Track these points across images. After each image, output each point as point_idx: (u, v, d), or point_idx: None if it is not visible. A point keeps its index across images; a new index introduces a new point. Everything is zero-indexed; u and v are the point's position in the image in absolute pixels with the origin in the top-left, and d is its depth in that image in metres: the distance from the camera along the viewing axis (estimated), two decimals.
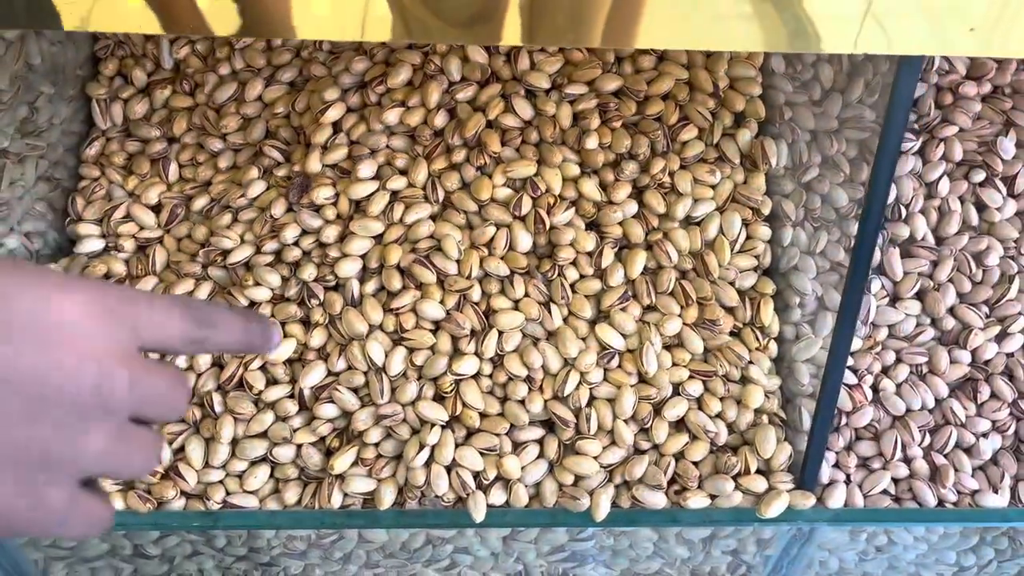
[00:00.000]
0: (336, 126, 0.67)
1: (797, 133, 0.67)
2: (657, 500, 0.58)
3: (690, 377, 0.61)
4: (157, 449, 0.33)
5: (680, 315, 0.62)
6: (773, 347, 0.64)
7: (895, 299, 0.65)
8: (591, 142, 0.64)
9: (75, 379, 0.30)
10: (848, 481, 0.61)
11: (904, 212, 0.66)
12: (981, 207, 0.67)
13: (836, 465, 0.62)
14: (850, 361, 0.64)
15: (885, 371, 0.64)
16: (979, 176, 0.67)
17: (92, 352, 0.30)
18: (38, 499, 0.31)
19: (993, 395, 0.63)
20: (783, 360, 0.63)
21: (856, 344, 0.64)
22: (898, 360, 0.64)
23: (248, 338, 0.36)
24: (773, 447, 0.60)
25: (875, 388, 0.63)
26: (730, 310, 0.63)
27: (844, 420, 0.62)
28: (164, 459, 0.59)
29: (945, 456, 0.62)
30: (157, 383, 0.32)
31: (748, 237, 0.66)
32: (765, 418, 0.61)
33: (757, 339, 0.63)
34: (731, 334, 0.64)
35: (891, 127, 0.47)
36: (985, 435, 0.62)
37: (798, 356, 0.63)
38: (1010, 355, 0.64)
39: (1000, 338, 0.64)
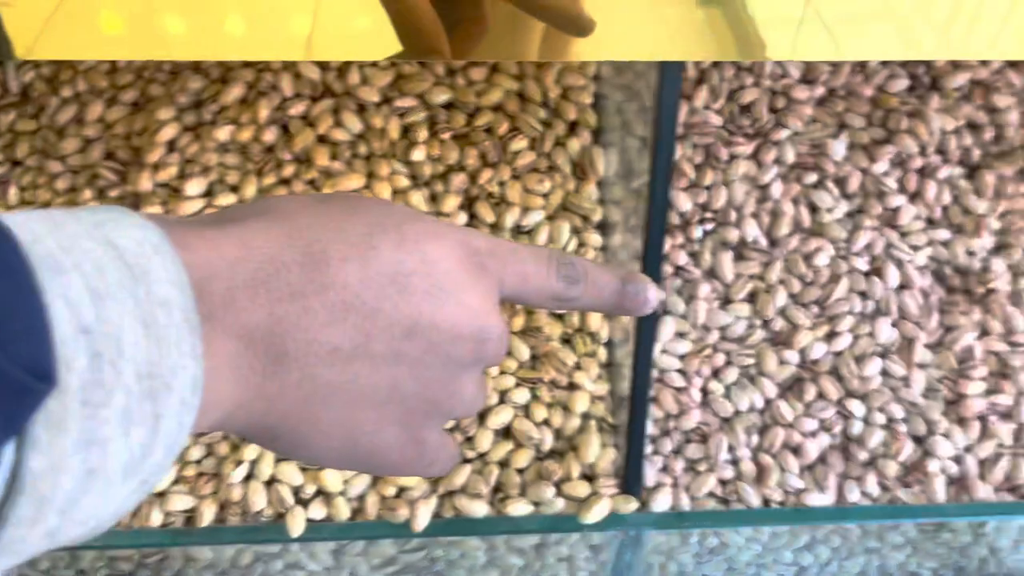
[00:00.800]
0: (172, 145, 0.68)
1: (627, 140, 0.68)
2: (477, 509, 0.59)
3: (517, 385, 0.62)
4: (484, 394, 0.34)
5: (507, 323, 0.62)
6: (602, 352, 0.64)
7: (727, 301, 0.66)
8: (418, 154, 0.65)
9: (461, 328, 0.30)
10: (676, 484, 0.62)
11: (736, 216, 0.67)
12: (813, 208, 0.68)
13: (664, 469, 0.62)
14: (680, 364, 0.64)
15: (716, 373, 0.64)
16: (811, 178, 0.68)
17: (472, 301, 0.30)
18: (422, 444, 0.31)
19: (820, 395, 0.64)
20: (613, 364, 0.64)
21: (686, 347, 0.64)
22: (728, 362, 0.64)
23: (621, 300, 0.35)
24: (596, 452, 0.60)
25: (705, 391, 0.64)
26: (560, 316, 0.64)
27: (673, 424, 0.63)
28: None
29: (773, 456, 0.63)
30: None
31: (580, 244, 0.66)
32: (593, 423, 0.61)
33: (585, 344, 0.64)
34: (564, 340, 0.65)
35: (661, 135, 0.48)
36: (813, 434, 0.63)
37: (624, 360, 0.63)
38: (838, 354, 0.64)
39: (830, 337, 0.65)
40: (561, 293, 0.33)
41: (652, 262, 0.54)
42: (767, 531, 0.62)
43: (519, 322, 0.63)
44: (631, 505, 0.59)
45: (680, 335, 0.65)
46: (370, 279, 0.28)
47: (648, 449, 0.63)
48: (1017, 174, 0.68)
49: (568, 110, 0.68)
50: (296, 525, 0.57)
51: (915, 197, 0.68)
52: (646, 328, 0.55)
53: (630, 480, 0.60)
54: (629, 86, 0.61)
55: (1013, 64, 0.70)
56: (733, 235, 0.67)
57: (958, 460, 0.63)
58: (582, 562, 0.64)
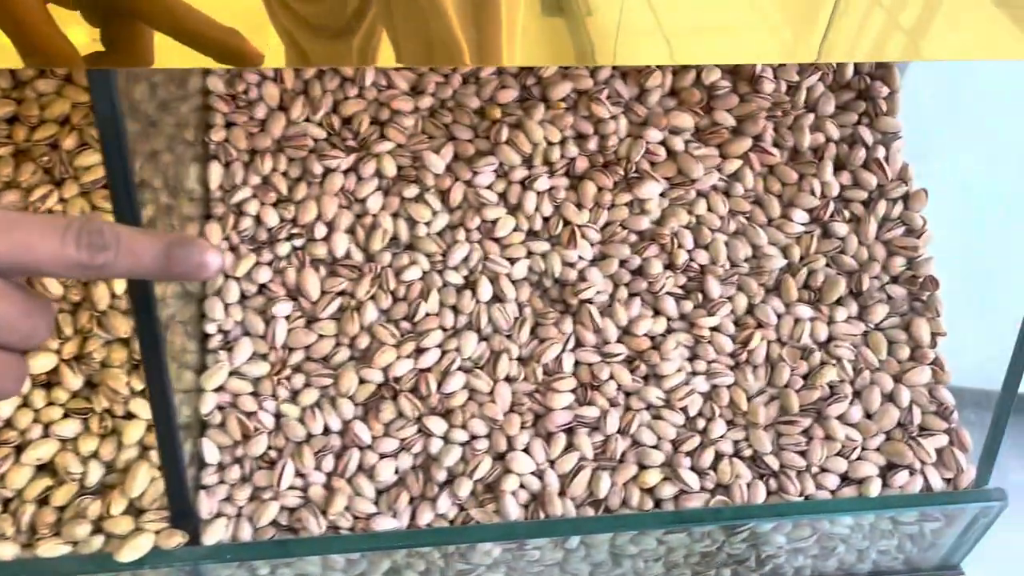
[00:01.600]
0: None
1: (232, 154, 0.66)
2: (4, 551, 0.55)
3: (64, 416, 0.58)
4: (15, 375, 0.33)
5: (57, 350, 0.59)
6: (188, 376, 0.61)
7: (312, 320, 0.64)
8: None
9: None
10: (240, 515, 0.59)
11: (327, 230, 0.65)
12: (413, 222, 0.66)
13: (228, 499, 0.60)
14: (252, 388, 0.62)
15: (294, 395, 0.62)
16: (412, 191, 0.67)
17: None
18: None
19: (400, 413, 0.62)
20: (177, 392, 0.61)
21: (263, 369, 0.62)
22: (307, 384, 0.62)
23: (168, 265, 0.35)
24: (143, 484, 0.57)
25: (279, 415, 0.62)
26: (125, 342, 0.61)
27: (242, 451, 0.60)
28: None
29: (348, 480, 0.61)
30: (7, 311, 0.32)
31: None
32: (150, 454, 0.58)
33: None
34: (134, 366, 0.61)
35: (106, 149, 0.45)
36: (392, 455, 0.61)
37: (205, 384, 0.61)
38: (425, 370, 0.63)
39: (418, 353, 0.63)
40: (85, 261, 0.33)
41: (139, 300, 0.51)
42: (339, 559, 0.60)
43: (70, 349, 0.59)
44: (174, 540, 0.56)
45: (261, 356, 0.63)
46: None
47: (213, 479, 0.60)
48: (617, 184, 0.69)
49: None
50: None
51: (516, 209, 0.68)
52: (151, 356, 0.52)
53: (176, 513, 0.57)
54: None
55: (624, 75, 0.70)
56: (322, 251, 0.65)
57: (540, 475, 0.63)
58: None
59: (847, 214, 0.70)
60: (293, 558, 0.58)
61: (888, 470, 0.64)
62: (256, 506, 0.59)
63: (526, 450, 0.62)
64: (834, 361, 0.66)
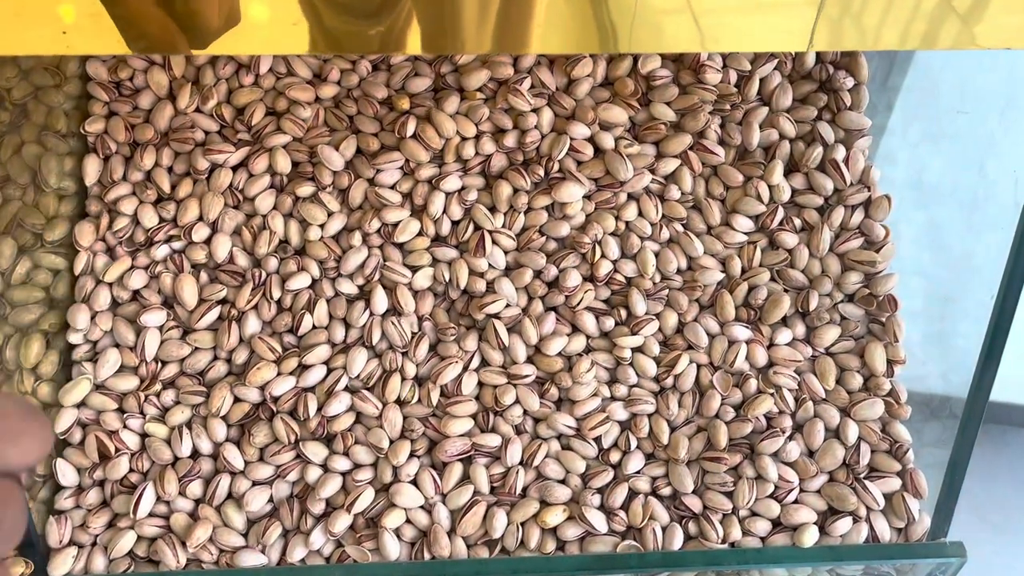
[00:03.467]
0: None
1: (111, 147, 0.60)
2: None
3: None
4: None
5: None
6: (44, 390, 0.57)
7: (187, 331, 0.58)
8: None
9: None
10: (95, 543, 0.55)
11: (209, 233, 0.59)
12: (305, 224, 0.61)
13: (84, 525, 0.55)
14: (117, 404, 0.57)
15: (164, 413, 0.57)
16: (307, 190, 0.61)
17: None
18: None
19: (276, 438, 0.56)
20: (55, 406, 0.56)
21: (131, 383, 0.57)
22: (177, 401, 0.57)
23: None
24: None
25: (144, 434, 0.56)
26: None
27: (101, 473, 0.55)
28: None
29: (218, 509, 0.55)
30: None
31: (35, 266, 0.58)
32: None
33: (23, 381, 0.56)
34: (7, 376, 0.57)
35: None
36: (266, 483, 0.56)
37: (64, 399, 0.56)
38: (308, 390, 0.57)
39: (301, 371, 0.58)
40: None
41: None
42: None
43: None
44: (17, 569, 0.52)
45: (130, 369, 0.58)
46: None
47: (68, 503, 0.55)
48: (536, 185, 0.62)
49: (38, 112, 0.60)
50: None
51: (421, 211, 0.61)
52: None
53: (20, 542, 0.52)
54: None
55: (552, 62, 0.63)
56: (202, 255, 0.59)
57: (429, 510, 0.56)
58: None
59: (798, 222, 0.62)
60: None
61: (830, 515, 0.57)
62: (112, 534, 0.55)
63: (414, 482, 0.56)
64: (772, 390, 0.58)
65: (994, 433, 1.40)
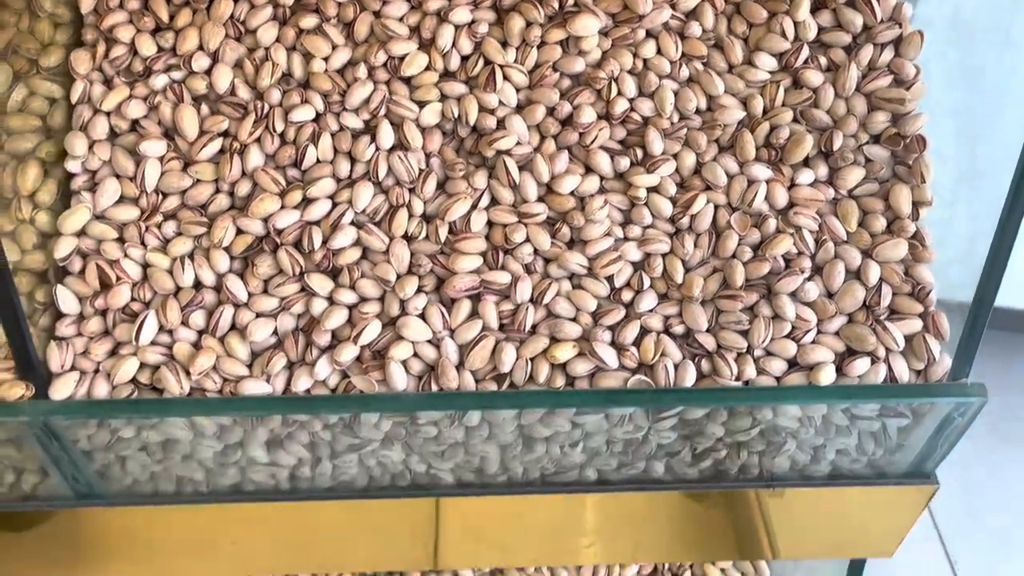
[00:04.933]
0: None
1: None
2: None
3: None
4: None
5: None
6: (43, 218, 0.55)
7: (188, 163, 0.56)
8: None
9: None
10: (98, 371, 0.54)
11: (209, 63, 0.57)
12: (309, 57, 0.58)
13: (86, 353, 0.54)
14: (118, 234, 0.55)
15: (165, 245, 0.56)
16: (311, 22, 0.58)
17: None
18: None
19: (281, 269, 0.55)
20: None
21: (131, 214, 0.55)
22: (179, 232, 0.56)
23: None
24: None
25: (146, 264, 0.55)
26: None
27: (102, 302, 0.54)
28: None
29: (221, 340, 0.54)
30: None
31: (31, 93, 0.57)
32: None
33: (21, 209, 0.55)
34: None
35: None
36: (271, 315, 0.55)
37: (62, 226, 0.54)
38: (312, 223, 0.55)
39: (305, 205, 0.56)
40: None
41: None
42: (210, 425, 0.54)
43: None
44: (16, 391, 0.51)
45: (130, 200, 0.56)
46: None
47: (70, 331, 0.54)
48: (551, 19, 0.59)
49: None
50: None
51: (429, 44, 0.59)
52: None
53: (21, 364, 0.51)
54: None
55: None
56: (202, 85, 0.57)
57: (436, 344, 0.55)
58: None
59: (824, 61, 0.59)
60: (152, 419, 0.52)
61: (847, 357, 0.56)
62: (114, 362, 0.54)
63: (422, 316, 0.55)
64: (792, 230, 0.57)
65: (1007, 341, 1.38)
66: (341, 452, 0.57)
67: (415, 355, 0.54)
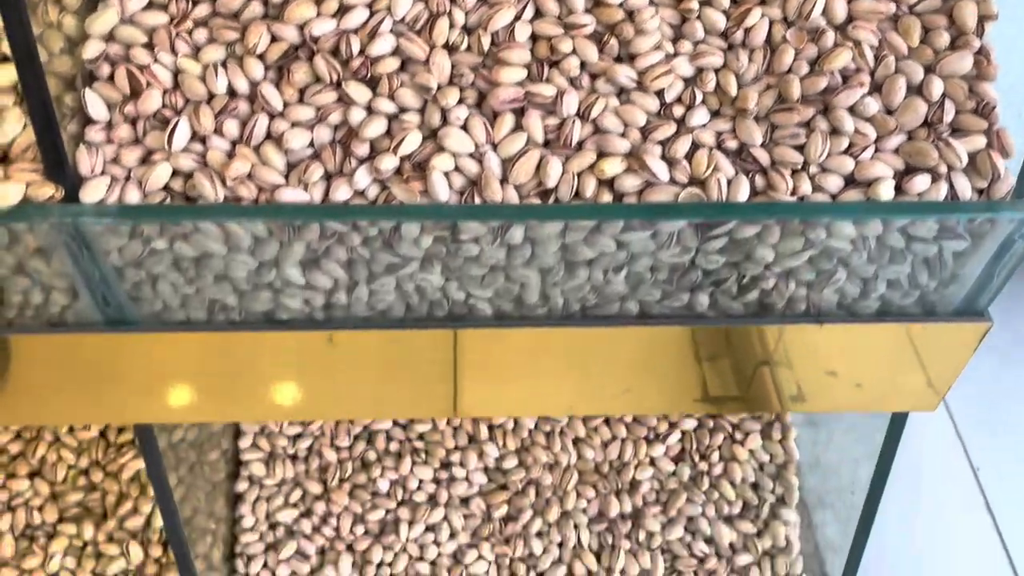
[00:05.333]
0: None
1: None
2: None
3: None
4: None
5: None
6: (70, 22, 0.52)
7: None
8: None
9: None
10: (129, 177, 0.52)
11: None
12: None
13: (116, 160, 0.52)
14: (146, 39, 0.53)
15: (197, 51, 0.53)
16: None
17: None
18: None
19: (318, 77, 0.53)
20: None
21: (160, 18, 0.53)
22: (212, 39, 0.53)
23: None
24: (15, 131, 0.50)
25: (177, 70, 0.53)
26: None
27: (132, 108, 0.52)
28: None
29: (256, 149, 0.52)
30: None
31: None
32: (11, 99, 0.51)
33: (48, 12, 0.52)
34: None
35: None
36: (307, 125, 0.52)
37: (90, 28, 0.52)
38: (349, 31, 0.53)
39: (341, 13, 0.53)
40: None
41: None
42: (245, 238, 0.52)
43: None
44: (46, 191, 0.49)
45: (159, 6, 0.54)
46: None
47: (99, 136, 0.52)
48: None
49: None
50: None
51: None
52: None
53: (50, 164, 0.49)
54: None
55: None
56: None
57: (479, 158, 0.53)
58: None
59: None
60: (186, 224, 0.50)
61: (907, 174, 0.53)
62: (146, 169, 0.52)
63: (464, 127, 0.53)
64: (851, 44, 0.54)
65: None
66: (379, 274, 0.55)
67: (456, 169, 0.53)
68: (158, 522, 0.86)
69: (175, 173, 0.52)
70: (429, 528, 0.89)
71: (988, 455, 1.27)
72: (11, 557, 0.85)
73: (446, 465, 0.90)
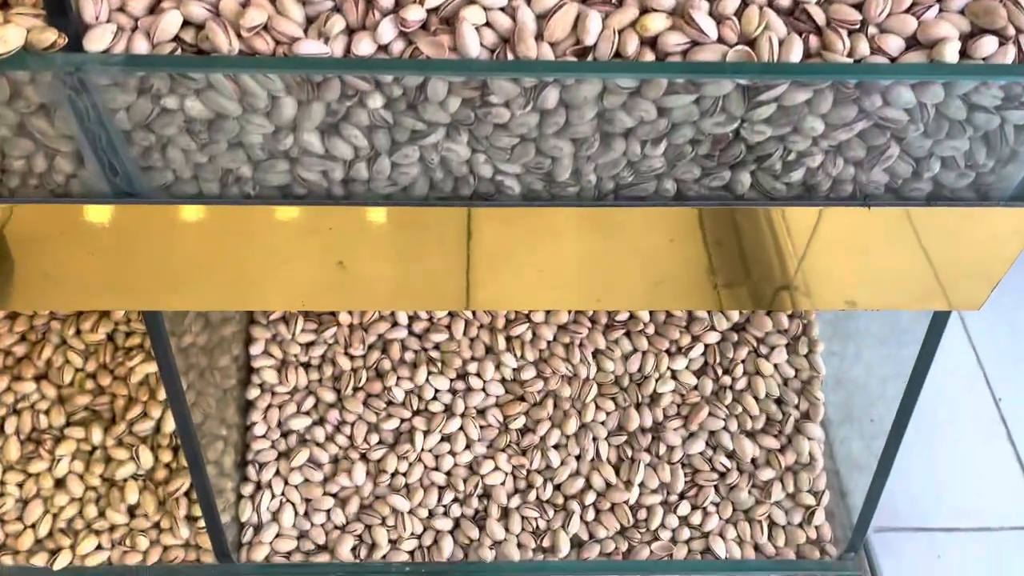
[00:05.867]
0: None
1: None
2: None
3: None
4: None
5: None
6: None
7: None
8: None
9: None
10: (136, 28, 0.48)
11: None
12: None
13: (122, 9, 0.48)
14: None
15: None
16: None
17: None
18: None
19: None
20: None
21: None
22: None
23: None
24: None
25: None
26: None
27: None
28: None
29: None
30: None
31: None
32: None
33: None
34: None
35: None
36: None
37: None
38: None
39: None
40: None
41: None
42: (261, 96, 0.49)
43: None
44: (47, 37, 0.46)
45: None
46: None
47: None
48: None
49: None
50: None
51: None
52: None
53: (52, 10, 0.46)
54: None
55: None
56: None
57: (512, 13, 0.49)
58: None
59: None
60: (197, 76, 0.47)
61: (971, 37, 0.50)
62: (155, 18, 0.48)
63: None
64: None
65: None
66: (402, 143, 0.52)
67: (487, 25, 0.49)
68: (168, 427, 0.84)
69: (186, 23, 0.48)
70: (445, 438, 0.87)
71: (1010, 385, 1.25)
72: (16, 461, 0.84)
73: (462, 376, 0.88)
